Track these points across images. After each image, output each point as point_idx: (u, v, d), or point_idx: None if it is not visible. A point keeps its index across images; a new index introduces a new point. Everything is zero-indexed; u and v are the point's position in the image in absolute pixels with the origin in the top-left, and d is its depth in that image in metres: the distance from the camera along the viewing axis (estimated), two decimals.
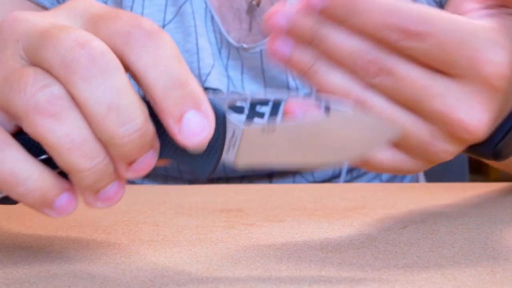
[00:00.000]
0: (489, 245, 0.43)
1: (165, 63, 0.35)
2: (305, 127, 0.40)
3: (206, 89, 0.72)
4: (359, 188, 0.58)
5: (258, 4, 0.74)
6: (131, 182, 0.81)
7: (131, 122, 0.35)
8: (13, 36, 0.36)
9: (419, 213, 0.53)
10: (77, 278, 0.37)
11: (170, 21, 0.74)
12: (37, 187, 0.36)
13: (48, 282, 0.36)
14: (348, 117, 0.40)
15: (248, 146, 0.40)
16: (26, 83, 0.35)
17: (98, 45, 0.35)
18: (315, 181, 0.77)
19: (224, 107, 0.39)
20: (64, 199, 0.37)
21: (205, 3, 0.73)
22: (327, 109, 0.40)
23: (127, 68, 0.36)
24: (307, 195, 0.62)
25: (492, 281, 0.36)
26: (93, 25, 0.37)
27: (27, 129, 0.35)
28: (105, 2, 0.75)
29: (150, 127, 0.36)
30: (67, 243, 0.44)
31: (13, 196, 0.36)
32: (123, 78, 0.35)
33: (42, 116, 0.34)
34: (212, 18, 0.74)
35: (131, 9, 0.74)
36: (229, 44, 0.73)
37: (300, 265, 0.39)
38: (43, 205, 0.37)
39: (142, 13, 0.74)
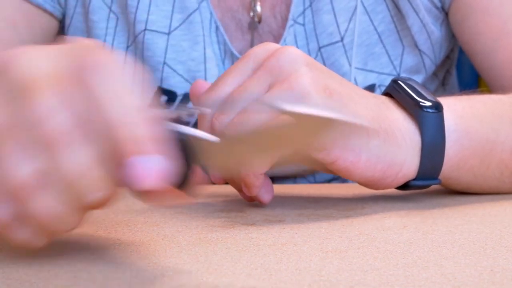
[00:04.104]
0: (489, 245, 0.43)
1: (122, 104, 0.36)
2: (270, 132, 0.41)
3: None
4: (359, 188, 0.58)
5: (259, 21, 0.74)
6: None
7: (98, 193, 0.36)
8: (4, 84, 0.36)
9: (419, 213, 0.53)
10: (77, 278, 0.37)
11: (176, 28, 0.74)
12: None
13: (48, 282, 0.36)
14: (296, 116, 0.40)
15: (217, 156, 0.41)
16: (3, 156, 0.35)
17: (66, 118, 0.35)
18: (315, 181, 0.77)
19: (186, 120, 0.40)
20: None
21: (210, 13, 0.74)
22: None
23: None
24: (307, 195, 0.62)
25: (492, 281, 0.36)
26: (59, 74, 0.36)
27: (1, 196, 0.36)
28: (110, 6, 0.75)
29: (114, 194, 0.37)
30: (67, 243, 0.44)
31: None
32: (95, 150, 0.35)
33: (17, 193, 0.36)
34: (217, 28, 0.74)
35: (135, 15, 0.74)
36: (232, 55, 0.74)
37: (300, 265, 0.39)
38: None
39: (147, 19, 0.74)
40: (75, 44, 0.38)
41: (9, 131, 0.36)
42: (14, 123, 0.36)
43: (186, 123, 0.40)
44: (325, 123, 0.41)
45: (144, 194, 0.37)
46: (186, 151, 0.39)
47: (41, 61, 0.37)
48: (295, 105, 0.40)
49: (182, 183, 0.38)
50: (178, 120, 0.40)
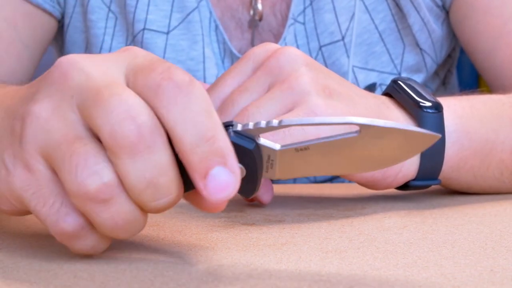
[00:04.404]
0: (489, 245, 0.43)
1: (193, 118, 0.36)
2: (337, 143, 0.41)
3: None
4: (359, 188, 0.58)
5: (260, 19, 0.74)
6: None
7: (165, 198, 0.36)
8: (67, 88, 0.37)
9: (419, 213, 0.53)
10: (77, 278, 0.37)
11: (175, 27, 0.74)
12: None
13: (48, 282, 0.36)
14: (381, 132, 0.40)
15: (285, 164, 0.42)
16: (77, 165, 0.35)
17: (147, 120, 0.35)
18: (315, 181, 0.77)
19: (255, 134, 0.40)
20: None
21: (210, 12, 0.73)
22: (358, 125, 0.40)
23: (159, 121, 0.36)
24: (307, 195, 0.62)
25: (492, 281, 0.36)
26: (133, 77, 0.37)
27: (74, 203, 0.36)
28: (109, 6, 0.75)
29: (180, 197, 0.38)
30: None
31: None
32: (166, 155, 0.36)
33: (90, 202, 0.36)
34: (216, 27, 0.74)
35: (134, 14, 0.74)
36: (232, 54, 0.74)
37: (300, 265, 0.39)
38: None
39: (146, 19, 0.74)
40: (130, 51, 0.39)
41: (80, 139, 0.36)
42: (82, 131, 0.36)
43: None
44: (399, 136, 0.41)
45: (206, 204, 0.38)
46: (250, 159, 0.40)
47: (104, 68, 0.37)
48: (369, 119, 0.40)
49: (243, 185, 0.39)
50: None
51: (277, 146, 0.41)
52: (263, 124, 0.40)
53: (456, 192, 0.61)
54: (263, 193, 0.54)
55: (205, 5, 0.73)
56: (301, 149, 0.41)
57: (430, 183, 0.57)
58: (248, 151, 0.40)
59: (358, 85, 0.74)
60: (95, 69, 0.37)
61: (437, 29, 0.77)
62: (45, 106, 0.37)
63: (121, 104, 0.35)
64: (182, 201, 0.58)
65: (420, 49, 0.77)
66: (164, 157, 0.36)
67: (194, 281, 0.36)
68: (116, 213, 0.36)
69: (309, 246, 0.43)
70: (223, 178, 0.36)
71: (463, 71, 1.40)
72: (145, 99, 0.36)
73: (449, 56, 0.83)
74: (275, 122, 0.40)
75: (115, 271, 0.38)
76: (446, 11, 0.77)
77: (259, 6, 0.73)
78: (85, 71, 0.37)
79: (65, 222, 0.37)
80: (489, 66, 0.75)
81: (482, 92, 0.62)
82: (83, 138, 0.36)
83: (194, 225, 0.49)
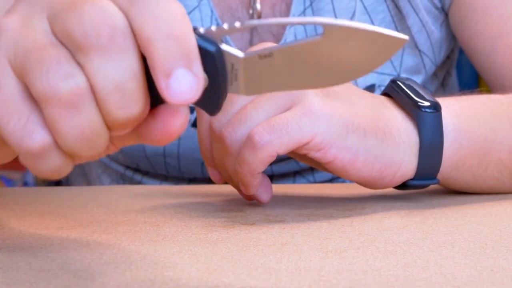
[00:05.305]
0: (489, 245, 0.43)
1: (167, 17, 0.35)
2: (301, 48, 0.39)
3: None
4: (359, 188, 0.58)
5: (259, 18, 0.74)
6: (129, 182, 0.81)
7: (131, 108, 0.35)
8: (39, 3, 0.36)
9: (419, 213, 0.53)
10: (77, 278, 0.37)
11: None
12: None
13: (48, 282, 0.36)
14: (345, 32, 0.39)
15: (249, 75, 0.40)
16: (49, 67, 0.35)
17: (121, 23, 0.35)
18: (315, 181, 0.77)
19: (217, 39, 0.39)
20: None
21: (211, 11, 0.74)
22: (324, 26, 0.38)
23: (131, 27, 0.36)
24: (307, 195, 0.62)
25: (492, 281, 0.36)
26: None
27: (42, 109, 0.35)
28: None
29: (146, 113, 0.36)
30: (67, 243, 0.44)
31: None
32: (136, 61, 0.35)
33: (60, 105, 0.35)
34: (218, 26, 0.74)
35: None
36: None
37: (300, 265, 0.39)
38: None
39: None
40: None
41: (51, 44, 0.35)
42: (53, 39, 0.35)
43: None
44: (361, 37, 0.39)
45: (158, 131, 0.37)
46: (213, 66, 0.38)
47: None
48: (331, 19, 0.38)
49: (207, 99, 0.38)
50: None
51: (240, 54, 0.39)
52: (225, 26, 0.39)
53: (456, 192, 0.61)
54: (262, 192, 0.54)
55: (206, 4, 0.74)
56: (265, 55, 0.40)
57: (428, 183, 0.57)
58: (211, 54, 0.38)
59: (357, 86, 0.74)
60: None
61: (435, 31, 0.77)
62: (14, 19, 0.36)
63: (95, 8, 0.35)
64: (182, 201, 0.58)
65: (419, 50, 0.77)
66: (134, 63, 0.35)
67: (194, 281, 0.36)
68: (84, 122, 0.35)
69: (309, 246, 0.43)
70: (187, 79, 0.35)
71: (463, 72, 1.40)
72: (120, 6, 0.35)
73: (447, 57, 0.83)
74: (237, 24, 0.39)
75: (115, 271, 0.38)
76: (445, 13, 0.77)
77: (258, 6, 0.74)
78: None
79: (31, 139, 0.36)
80: (488, 66, 0.75)
81: (481, 92, 0.62)
82: (54, 44, 0.35)
83: (194, 225, 0.49)
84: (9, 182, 1.75)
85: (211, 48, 0.38)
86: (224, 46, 0.39)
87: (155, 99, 0.36)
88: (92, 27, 0.34)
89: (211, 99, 0.39)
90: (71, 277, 0.37)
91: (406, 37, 0.39)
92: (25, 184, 1.73)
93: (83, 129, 0.35)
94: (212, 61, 0.38)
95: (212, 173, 0.57)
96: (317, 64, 0.40)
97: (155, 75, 0.35)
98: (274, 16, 0.74)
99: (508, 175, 0.60)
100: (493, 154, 0.58)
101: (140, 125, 0.37)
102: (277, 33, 0.74)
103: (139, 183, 0.80)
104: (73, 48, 0.35)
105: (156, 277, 0.37)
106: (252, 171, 0.51)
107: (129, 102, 0.35)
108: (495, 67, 0.74)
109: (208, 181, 0.73)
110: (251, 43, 0.74)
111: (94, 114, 0.35)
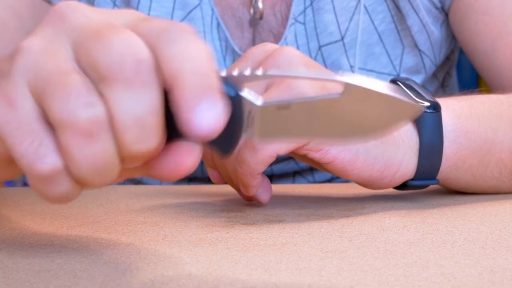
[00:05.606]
0: (489, 245, 0.43)
1: (194, 54, 0.35)
2: (319, 103, 0.40)
3: None
4: (359, 188, 0.58)
5: (261, 17, 0.74)
6: (129, 181, 0.81)
7: (147, 142, 0.35)
8: (64, 28, 0.36)
9: (419, 213, 0.53)
10: (77, 278, 0.37)
11: None
12: None
13: (48, 282, 0.36)
14: (365, 93, 0.39)
15: (265, 122, 0.40)
16: (70, 93, 0.34)
17: (147, 58, 0.35)
18: (315, 182, 0.77)
19: (240, 85, 0.39)
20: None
21: (212, 9, 0.74)
22: (344, 85, 0.39)
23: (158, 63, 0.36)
24: (307, 195, 0.62)
25: (492, 281, 0.36)
26: (135, 25, 0.36)
27: (58, 135, 0.35)
28: (114, 2, 0.75)
29: (160, 149, 0.36)
30: (67, 243, 0.44)
31: None
32: (158, 97, 0.35)
33: (76, 133, 0.34)
34: (218, 25, 0.74)
35: (137, 10, 0.74)
36: (234, 52, 0.74)
37: (300, 265, 0.39)
38: None
39: (148, 15, 0.74)
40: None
41: (73, 71, 0.35)
42: (75, 65, 0.35)
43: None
44: (386, 103, 0.39)
45: (166, 169, 0.37)
46: (233, 111, 0.38)
47: (105, 16, 0.37)
48: (359, 78, 0.39)
49: (221, 141, 0.38)
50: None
51: (259, 101, 0.40)
52: (247, 72, 0.39)
53: (456, 192, 0.61)
54: (262, 192, 0.54)
55: (207, 3, 0.74)
56: (283, 107, 0.40)
57: (428, 183, 0.57)
58: (230, 99, 0.38)
59: None
60: (96, 14, 0.37)
61: (435, 31, 0.77)
62: (37, 42, 0.36)
63: (122, 39, 0.35)
64: (182, 201, 0.58)
65: (419, 50, 0.77)
66: (155, 98, 0.35)
67: (194, 281, 0.36)
68: (98, 151, 0.35)
69: (309, 246, 0.43)
70: (211, 113, 0.35)
71: (463, 72, 1.40)
72: (147, 41, 0.35)
73: (447, 58, 0.83)
74: (259, 72, 0.40)
75: (115, 271, 0.38)
76: (445, 13, 0.77)
77: (260, 5, 0.74)
78: (85, 14, 0.36)
79: (42, 163, 0.35)
80: (488, 66, 0.75)
81: (481, 92, 0.62)
82: (77, 71, 0.35)
83: (194, 225, 0.49)
84: (9, 182, 1.75)
85: (231, 92, 0.38)
86: (244, 93, 0.39)
87: (169, 136, 0.36)
88: (118, 58, 0.34)
89: (225, 141, 0.39)
90: (71, 277, 0.37)
91: (422, 106, 0.39)
92: (25, 184, 1.73)
93: (97, 158, 0.35)
94: (230, 105, 0.38)
95: (211, 173, 0.57)
96: (334, 120, 0.40)
97: (180, 107, 0.35)
98: (274, 15, 0.74)
99: (508, 175, 0.60)
100: (493, 153, 0.58)
101: (151, 160, 0.37)
102: (277, 32, 0.74)
103: (139, 183, 0.80)
104: (95, 77, 0.35)
105: (156, 277, 0.37)
106: (252, 171, 0.51)
107: (146, 137, 0.35)
108: (495, 67, 0.74)
109: (208, 180, 0.74)
110: (253, 43, 0.74)
111: (110, 145, 0.35)
